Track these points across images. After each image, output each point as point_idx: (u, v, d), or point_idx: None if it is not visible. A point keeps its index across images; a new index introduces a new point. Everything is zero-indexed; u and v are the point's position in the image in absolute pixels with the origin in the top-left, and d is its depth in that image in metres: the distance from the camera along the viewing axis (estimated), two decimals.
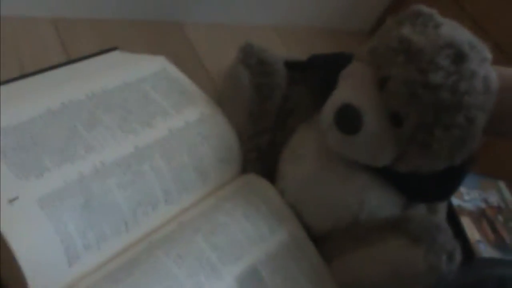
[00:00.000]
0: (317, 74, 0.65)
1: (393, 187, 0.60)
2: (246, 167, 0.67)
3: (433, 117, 0.51)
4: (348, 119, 0.55)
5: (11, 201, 0.47)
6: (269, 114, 0.65)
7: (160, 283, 0.50)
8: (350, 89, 0.56)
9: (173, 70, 0.68)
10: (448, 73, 0.51)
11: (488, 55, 0.53)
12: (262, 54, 0.64)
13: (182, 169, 0.59)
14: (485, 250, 0.75)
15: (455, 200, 0.78)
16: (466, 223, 0.77)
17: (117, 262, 0.51)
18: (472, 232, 0.76)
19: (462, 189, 0.81)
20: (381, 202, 0.60)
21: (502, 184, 0.89)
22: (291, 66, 0.66)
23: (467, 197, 0.81)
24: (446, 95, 0.51)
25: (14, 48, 0.69)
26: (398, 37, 0.53)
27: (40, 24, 0.74)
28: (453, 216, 0.63)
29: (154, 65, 0.67)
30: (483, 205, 0.82)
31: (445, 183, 0.58)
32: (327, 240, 0.63)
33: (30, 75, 0.64)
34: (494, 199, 0.85)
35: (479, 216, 0.80)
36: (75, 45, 0.73)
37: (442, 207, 0.66)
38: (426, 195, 0.59)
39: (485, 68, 0.52)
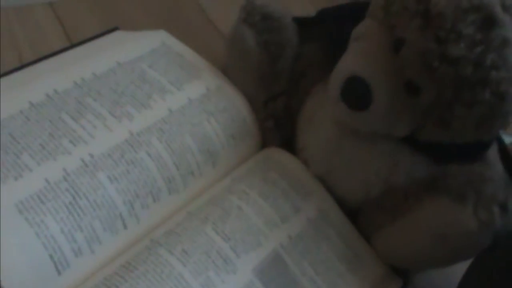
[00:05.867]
0: (329, 29, 0.57)
1: (420, 149, 0.52)
2: (265, 139, 0.60)
3: (453, 93, 0.43)
4: (355, 94, 0.47)
5: None
6: (282, 75, 0.59)
7: (162, 286, 0.44)
8: (360, 55, 0.48)
9: (174, 44, 0.62)
10: (473, 43, 0.41)
11: None
12: (266, 9, 0.56)
13: (186, 152, 0.52)
14: None
15: (507, 138, 0.68)
16: None
17: (113, 265, 0.45)
18: None
19: None
20: (415, 163, 0.52)
21: None
22: (299, 22, 0.58)
23: None
24: (468, 69, 0.42)
25: (13, 40, 0.64)
26: None
27: (37, 10, 0.69)
28: (506, 156, 0.54)
29: (152, 41, 0.61)
30: None
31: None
32: (360, 216, 0.56)
33: (25, 66, 0.59)
34: None
35: None
36: (76, 28, 0.69)
37: (491, 149, 0.56)
38: (455, 156, 0.51)
39: None
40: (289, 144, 0.59)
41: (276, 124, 0.59)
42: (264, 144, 0.60)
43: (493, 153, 0.54)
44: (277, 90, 0.59)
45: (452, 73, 0.42)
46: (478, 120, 0.45)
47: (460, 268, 0.48)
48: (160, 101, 0.54)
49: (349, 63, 0.48)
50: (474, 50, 0.42)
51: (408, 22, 0.44)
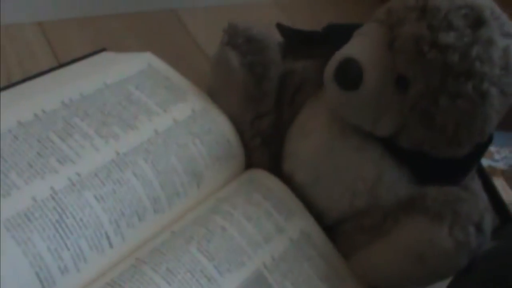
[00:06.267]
0: (329, 46, 0.59)
1: (405, 165, 0.54)
2: (252, 157, 0.62)
3: (439, 81, 0.46)
4: (347, 73, 0.50)
5: None
6: (268, 95, 0.60)
7: None
8: (358, 43, 0.51)
9: (161, 66, 0.63)
10: (462, 35, 0.46)
11: None
12: (249, 32, 0.58)
13: (171, 172, 0.53)
14: None
15: (485, 161, 0.71)
16: (499, 184, 0.69)
17: (99, 283, 0.46)
18: (507, 193, 0.69)
19: (492, 148, 0.73)
20: (398, 177, 0.54)
21: None
22: (304, 38, 0.61)
23: (498, 156, 0.74)
24: (455, 57, 0.45)
25: (2, 58, 0.65)
26: None
27: (26, 30, 0.70)
28: (484, 178, 0.57)
29: (139, 62, 0.62)
30: None
31: (458, 164, 0.52)
32: (339, 237, 0.57)
33: (13, 85, 0.60)
34: None
35: None
36: (65, 48, 0.70)
37: (475, 182, 0.58)
38: (437, 177, 0.52)
39: (507, 42, 0.47)
40: (277, 162, 0.60)
41: (263, 141, 0.60)
42: (252, 162, 0.62)
43: (477, 185, 0.56)
44: (263, 109, 0.60)
45: (440, 59, 0.45)
46: (459, 118, 0.47)
47: (439, 286, 0.50)
48: (146, 122, 0.55)
49: (346, 48, 0.51)
50: (462, 40, 0.45)
51: (406, 17, 0.48)
